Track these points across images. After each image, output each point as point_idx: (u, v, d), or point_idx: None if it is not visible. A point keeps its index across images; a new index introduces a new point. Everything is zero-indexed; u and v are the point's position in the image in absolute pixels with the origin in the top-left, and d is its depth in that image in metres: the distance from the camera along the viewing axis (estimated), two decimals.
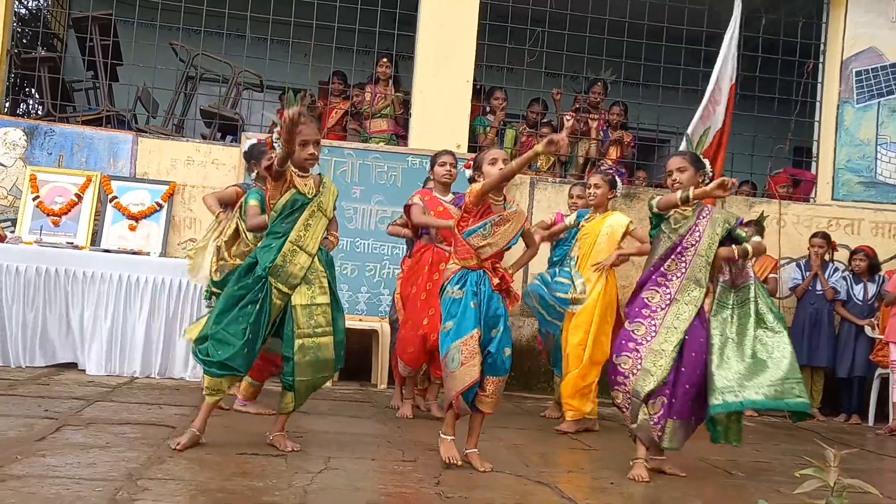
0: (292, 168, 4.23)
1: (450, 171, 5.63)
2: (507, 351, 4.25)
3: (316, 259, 4.30)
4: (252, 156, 5.54)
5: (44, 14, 9.42)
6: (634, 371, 4.40)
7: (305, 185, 4.29)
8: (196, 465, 3.87)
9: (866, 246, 7.91)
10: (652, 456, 4.55)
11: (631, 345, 4.45)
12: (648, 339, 4.43)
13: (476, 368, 4.12)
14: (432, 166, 5.81)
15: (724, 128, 7.55)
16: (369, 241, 7.46)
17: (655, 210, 4.52)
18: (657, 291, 4.52)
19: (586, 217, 5.89)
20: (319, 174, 4.49)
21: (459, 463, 4.17)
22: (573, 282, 5.46)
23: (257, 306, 4.15)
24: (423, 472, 4.10)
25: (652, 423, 4.38)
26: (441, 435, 4.29)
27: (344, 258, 7.35)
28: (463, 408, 4.20)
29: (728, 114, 7.60)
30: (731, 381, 4.40)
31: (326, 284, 4.32)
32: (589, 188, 5.90)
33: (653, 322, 4.46)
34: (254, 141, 6.14)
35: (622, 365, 4.46)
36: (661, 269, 4.53)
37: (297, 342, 4.19)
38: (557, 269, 5.75)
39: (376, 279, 7.40)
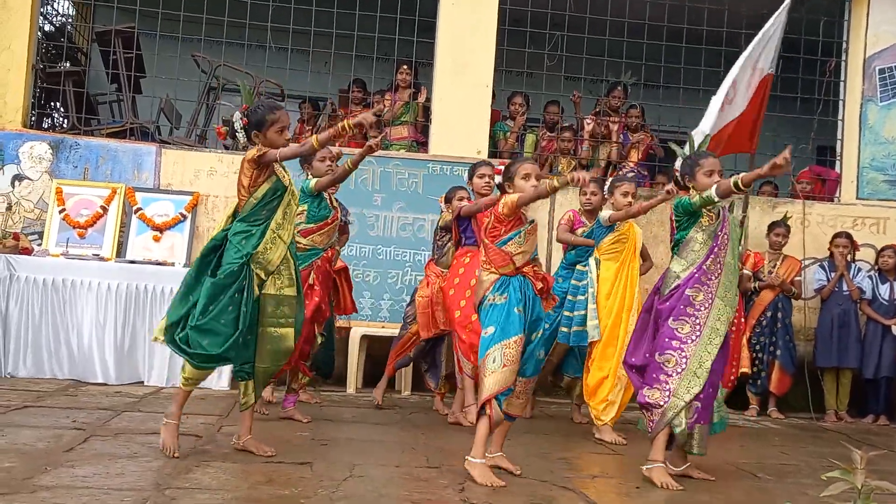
0: None
1: (489, 182, 5.58)
2: (542, 354, 4.28)
3: (288, 250, 4.35)
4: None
5: (68, 28, 9.53)
6: (679, 370, 4.37)
7: (285, 174, 4.36)
8: (222, 473, 3.90)
9: (894, 244, 7.82)
10: (675, 463, 4.55)
11: (675, 343, 4.38)
12: (693, 338, 4.38)
13: (514, 375, 4.10)
14: (471, 177, 5.80)
15: (746, 116, 7.34)
16: (391, 248, 7.48)
17: (707, 200, 4.39)
18: (700, 290, 4.45)
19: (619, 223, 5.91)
20: None
21: (504, 484, 4.00)
22: (588, 320, 5.78)
23: (244, 293, 4.17)
24: (447, 478, 4.11)
25: (687, 429, 4.37)
26: (470, 459, 4.09)
27: (366, 265, 7.38)
28: (497, 413, 4.11)
29: (756, 102, 7.37)
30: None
31: (294, 276, 4.38)
32: (585, 195, 6.14)
33: (697, 321, 4.40)
34: None
35: (666, 364, 4.39)
36: (704, 267, 4.48)
37: (261, 330, 4.25)
38: (574, 300, 5.94)
39: (398, 286, 7.42)
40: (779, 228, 7.64)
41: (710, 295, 4.46)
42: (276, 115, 4.28)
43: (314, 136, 4.22)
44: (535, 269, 4.27)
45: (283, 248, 4.30)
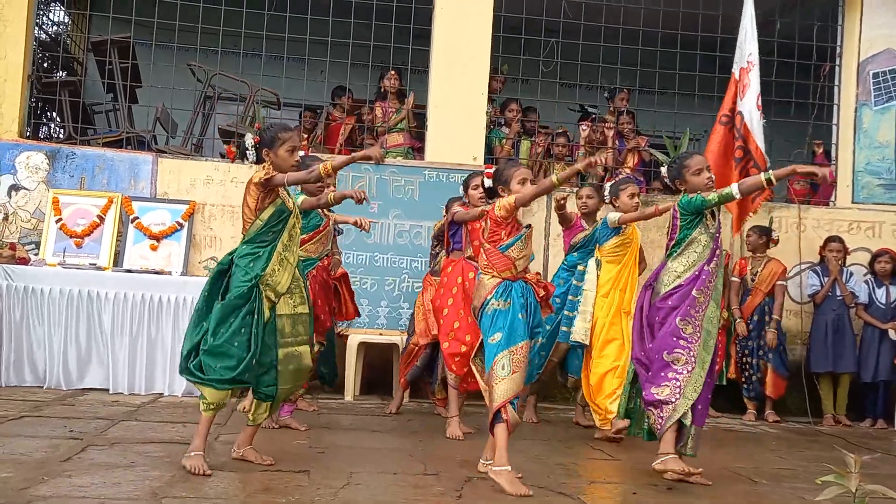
0: None
1: (483, 195, 5.66)
2: (535, 361, 4.36)
3: (296, 269, 4.37)
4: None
5: (63, 38, 9.55)
6: (689, 368, 4.45)
7: (289, 197, 4.36)
8: (220, 482, 3.90)
9: (889, 248, 7.84)
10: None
11: (682, 342, 4.48)
12: (696, 338, 4.49)
13: (523, 380, 4.22)
14: (465, 189, 5.86)
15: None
16: (388, 255, 7.49)
17: (727, 197, 4.44)
18: (703, 292, 4.54)
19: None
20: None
21: (531, 494, 3.99)
22: (576, 320, 5.88)
23: (255, 315, 4.14)
24: (444, 485, 4.12)
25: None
26: (495, 468, 4.10)
27: (363, 272, 7.38)
28: (514, 416, 4.17)
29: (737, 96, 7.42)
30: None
31: (305, 295, 4.41)
32: (581, 199, 6.22)
33: (697, 323, 4.52)
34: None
35: (676, 362, 4.46)
36: (708, 269, 4.55)
37: (282, 351, 4.23)
38: (575, 300, 5.99)
39: (395, 293, 7.43)
40: (752, 231, 7.65)
41: (707, 297, 4.55)
42: (288, 134, 4.27)
43: (325, 163, 4.17)
44: (538, 275, 4.36)
45: (291, 270, 4.30)
